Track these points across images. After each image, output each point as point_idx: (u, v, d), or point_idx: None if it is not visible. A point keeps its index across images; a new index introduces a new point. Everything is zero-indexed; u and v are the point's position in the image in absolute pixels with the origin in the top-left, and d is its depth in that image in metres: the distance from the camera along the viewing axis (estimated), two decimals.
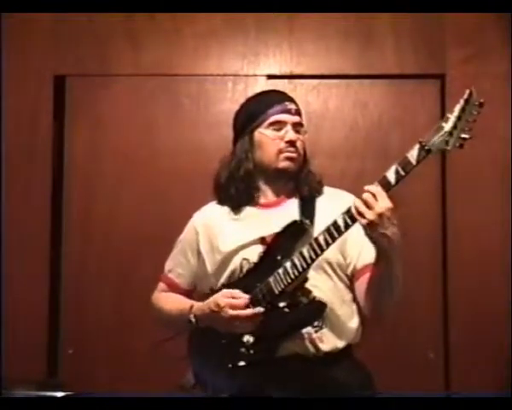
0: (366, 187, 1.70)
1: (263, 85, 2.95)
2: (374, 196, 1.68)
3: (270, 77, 3.00)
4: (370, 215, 1.66)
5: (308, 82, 2.99)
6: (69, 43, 3.02)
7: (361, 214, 1.68)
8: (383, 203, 1.66)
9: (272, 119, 1.98)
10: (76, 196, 2.98)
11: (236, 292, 1.86)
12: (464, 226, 2.88)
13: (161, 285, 2.15)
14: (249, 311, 1.83)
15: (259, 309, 1.83)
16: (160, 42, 3.01)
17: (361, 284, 1.89)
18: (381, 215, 1.65)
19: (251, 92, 2.88)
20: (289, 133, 1.97)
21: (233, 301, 1.84)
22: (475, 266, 2.86)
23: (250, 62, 3.01)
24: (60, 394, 2.43)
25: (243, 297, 1.85)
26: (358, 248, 1.91)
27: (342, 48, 3.00)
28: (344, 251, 1.95)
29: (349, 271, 1.95)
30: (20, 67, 3.00)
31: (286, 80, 2.98)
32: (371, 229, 1.67)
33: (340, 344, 1.91)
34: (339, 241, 1.79)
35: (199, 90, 3.01)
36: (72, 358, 2.89)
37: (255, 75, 3.00)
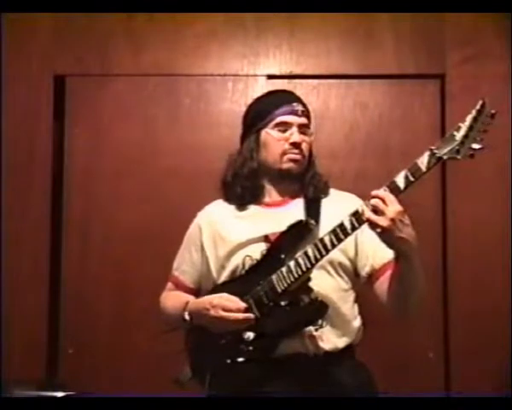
0: (373, 192, 1.68)
1: (263, 85, 2.94)
2: (383, 200, 1.66)
3: (270, 77, 3.00)
4: (383, 222, 1.64)
5: (308, 82, 2.99)
6: (69, 43, 3.01)
7: (373, 223, 1.65)
8: (393, 207, 1.65)
9: (278, 119, 1.99)
10: (76, 195, 2.98)
11: (233, 298, 1.87)
12: (464, 226, 2.88)
13: (169, 285, 2.17)
14: (240, 315, 1.83)
15: (250, 315, 1.83)
16: (159, 42, 3.01)
17: (382, 283, 1.89)
18: (393, 220, 1.64)
19: (251, 92, 2.91)
20: (294, 135, 1.98)
21: (226, 302, 1.85)
22: (476, 265, 2.86)
23: (250, 62, 3.01)
24: (60, 394, 2.43)
25: (239, 303, 1.85)
26: (373, 249, 1.91)
27: (342, 48, 3.00)
28: (354, 253, 1.95)
29: (365, 272, 1.95)
30: (20, 67, 3.00)
31: (286, 80, 2.98)
32: (387, 235, 1.66)
33: (341, 344, 1.91)
34: (344, 242, 1.79)
35: (199, 90, 3.01)
36: (73, 358, 2.89)
37: (255, 75, 3.00)
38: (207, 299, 1.91)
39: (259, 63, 3.01)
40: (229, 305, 1.85)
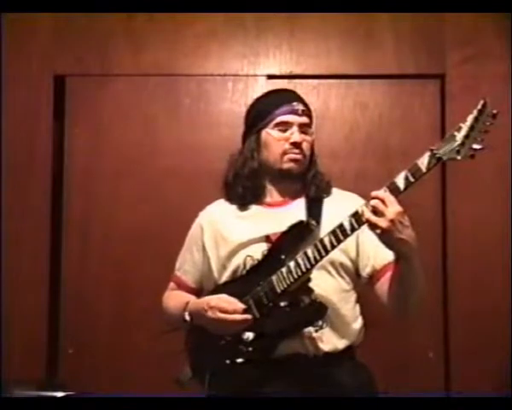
0: (373, 193, 1.67)
1: (263, 85, 2.94)
2: (382, 201, 1.65)
3: (270, 77, 2.99)
4: (383, 223, 1.63)
5: (308, 82, 2.98)
6: (69, 43, 3.01)
7: (373, 225, 1.65)
8: (393, 209, 1.63)
9: (278, 119, 1.98)
10: (76, 195, 2.98)
11: (232, 299, 1.86)
12: (464, 226, 2.88)
13: (171, 284, 2.17)
14: (237, 316, 1.83)
15: (248, 317, 1.83)
16: (159, 42, 3.01)
17: (383, 284, 1.89)
18: (393, 221, 1.62)
19: (251, 92, 2.91)
20: (294, 135, 1.97)
21: (223, 304, 1.84)
22: (476, 265, 2.86)
23: (250, 62, 3.01)
24: (60, 394, 2.43)
25: (236, 304, 1.84)
26: (375, 249, 1.90)
27: (342, 48, 3.00)
28: (355, 253, 1.95)
29: (366, 273, 1.95)
30: (20, 67, 3.00)
31: (286, 80, 2.98)
32: (386, 236, 1.65)
33: (341, 345, 1.91)
34: (346, 243, 1.79)
35: (199, 90, 3.01)
36: (73, 358, 2.89)
37: (255, 75, 3.00)
38: (205, 300, 1.90)
39: (259, 63, 3.01)
40: (226, 306, 1.84)
